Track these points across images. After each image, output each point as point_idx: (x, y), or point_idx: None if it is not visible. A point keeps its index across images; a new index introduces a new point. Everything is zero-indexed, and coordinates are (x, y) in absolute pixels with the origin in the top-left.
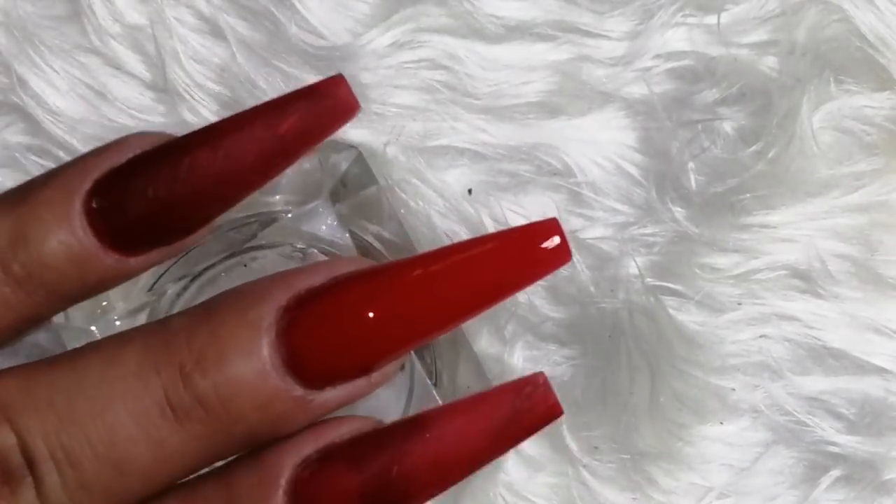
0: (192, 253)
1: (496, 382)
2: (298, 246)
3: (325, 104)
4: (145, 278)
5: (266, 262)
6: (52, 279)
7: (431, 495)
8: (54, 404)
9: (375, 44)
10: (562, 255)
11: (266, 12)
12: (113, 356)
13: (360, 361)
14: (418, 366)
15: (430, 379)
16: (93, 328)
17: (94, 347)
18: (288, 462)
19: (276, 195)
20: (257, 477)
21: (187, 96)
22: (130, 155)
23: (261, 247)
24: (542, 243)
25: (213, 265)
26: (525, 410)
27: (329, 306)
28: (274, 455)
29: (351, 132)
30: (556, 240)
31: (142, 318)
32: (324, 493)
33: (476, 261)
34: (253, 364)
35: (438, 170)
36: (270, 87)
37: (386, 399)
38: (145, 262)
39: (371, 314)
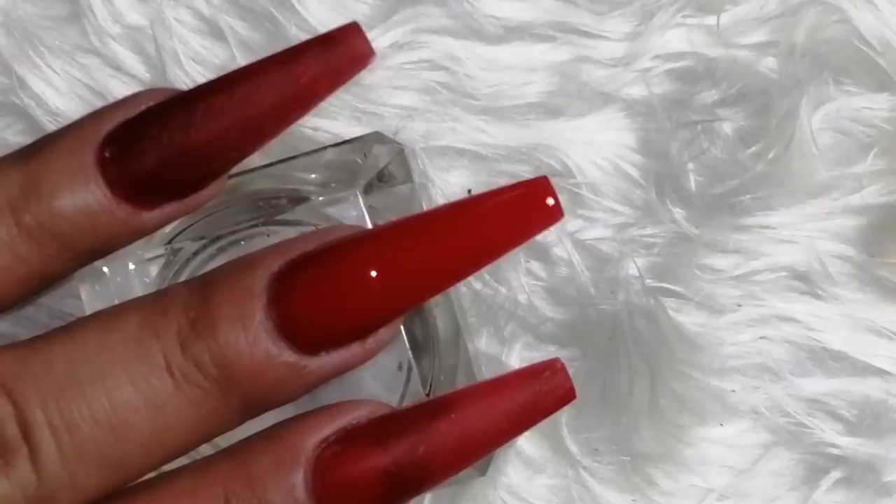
0: (216, 216)
1: None
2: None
3: (340, 51)
4: (166, 229)
5: (287, 237)
6: (64, 230)
7: (451, 475)
8: (53, 372)
9: (375, 44)
10: (555, 211)
11: (266, 13)
12: (111, 323)
13: (353, 325)
14: (416, 372)
15: (425, 387)
16: (105, 269)
17: (91, 317)
18: (307, 442)
19: (312, 174)
20: (276, 456)
21: None
22: (144, 107)
23: (286, 222)
24: (536, 201)
25: (234, 231)
26: (544, 394)
27: (320, 270)
28: (292, 435)
29: (351, 132)
30: (550, 200)
31: (154, 269)
32: (349, 473)
33: (471, 221)
34: (245, 330)
35: (439, 170)
36: None
37: (378, 399)
38: (158, 216)
39: (363, 275)
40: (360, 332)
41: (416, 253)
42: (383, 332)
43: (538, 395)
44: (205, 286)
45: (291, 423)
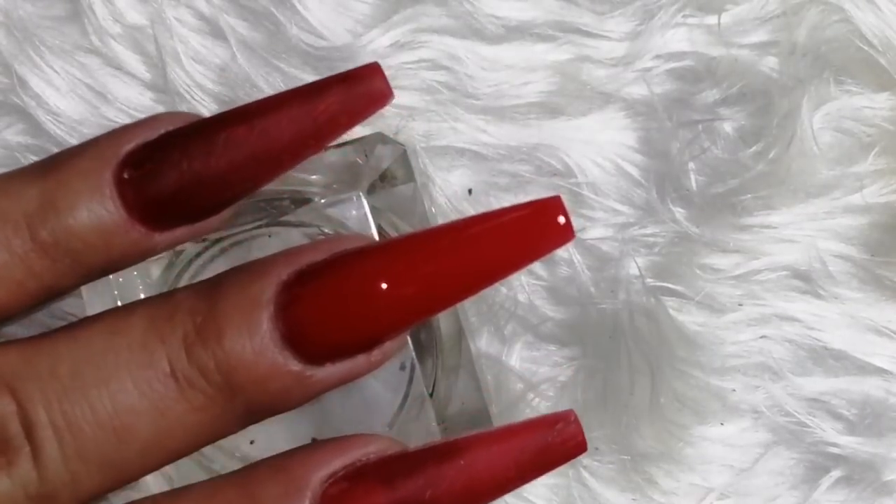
0: None
1: (494, 384)
2: (325, 230)
3: (360, 90)
4: None
5: (290, 239)
6: (78, 248)
7: None
8: (57, 372)
9: (375, 44)
10: (565, 232)
11: (266, 12)
12: (117, 326)
13: (360, 337)
14: (418, 371)
15: (428, 389)
16: None
17: (96, 318)
18: (315, 476)
19: (315, 175)
20: (283, 488)
21: (188, 96)
22: (163, 130)
23: (288, 223)
24: (546, 221)
25: (236, 233)
26: (555, 445)
27: (330, 281)
28: (300, 467)
29: (352, 132)
30: (561, 218)
31: (156, 271)
32: None
33: (482, 237)
34: (252, 338)
35: (440, 170)
36: (270, 88)
37: (381, 398)
38: (169, 239)
39: (371, 289)
40: (367, 344)
41: (424, 269)
42: (389, 345)
43: (550, 446)
44: (212, 292)
45: (299, 453)
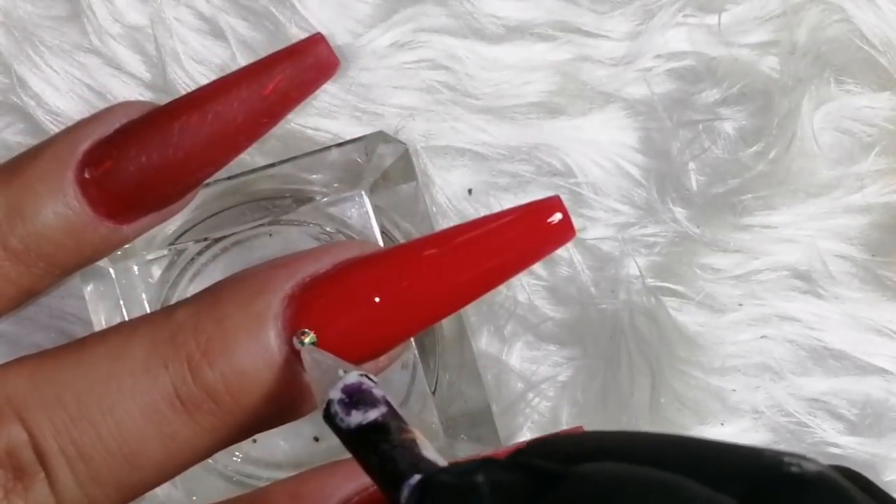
0: (220, 217)
1: (494, 384)
2: (327, 229)
3: (306, 63)
4: (169, 230)
5: (290, 238)
6: (50, 251)
7: None
8: (63, 401)
9: (376, 44)
10: (566, 231)
11: (266, 12)
12: (120, 350)
13: (367, 347)
14: (421, 370)
15: (430, 387)
16: (110, 270)
17: (100, 339)
18: None
19: (316, 174)
20: None
21: None
22: (118, 124)
23: (290, 222)
24: (546, 220)
25: (237, 231)
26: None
27: (334, 294)
28: (315, 495)
29: (352, 131)
30: (559, 216)
31: (157, 271)
32: None
33: (483, 241)
34: (261, 355)
35: (440, 169)
36: None
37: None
38: (137, 228)
39: (377, 299)
40: (374, 353)
41: (430, 276)
42: (397, 350)
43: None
44: (215, 307)
45: (314, 479)
